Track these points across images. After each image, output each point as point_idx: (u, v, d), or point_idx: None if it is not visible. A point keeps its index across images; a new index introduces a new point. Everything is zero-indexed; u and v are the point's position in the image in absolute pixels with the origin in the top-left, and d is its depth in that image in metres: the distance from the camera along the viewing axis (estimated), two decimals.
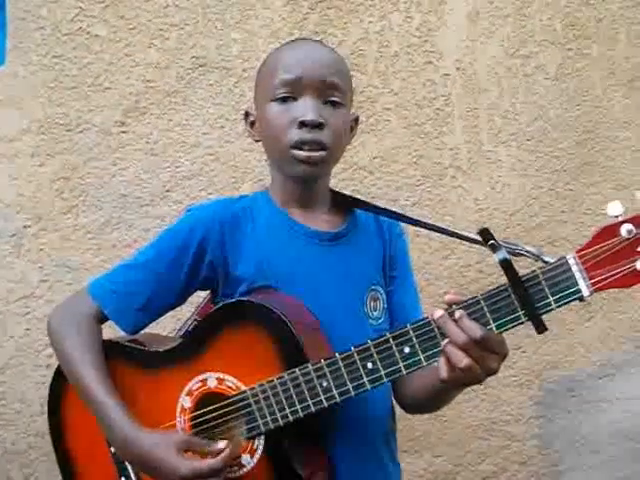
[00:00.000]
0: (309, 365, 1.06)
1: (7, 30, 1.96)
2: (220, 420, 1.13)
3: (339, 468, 1.15)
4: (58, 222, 1.98)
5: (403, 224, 1.31)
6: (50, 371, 1.94)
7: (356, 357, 1.04)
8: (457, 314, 0.98)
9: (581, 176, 2.25)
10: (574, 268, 0.95)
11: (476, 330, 0.97)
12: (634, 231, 0.93)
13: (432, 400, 1.22)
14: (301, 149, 1.15)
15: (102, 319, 1.21)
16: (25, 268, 1.97)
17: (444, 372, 0.99)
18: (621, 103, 2.27)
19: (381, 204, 1.30)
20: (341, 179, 2.07)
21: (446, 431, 2.19)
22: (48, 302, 1.96)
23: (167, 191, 2.01)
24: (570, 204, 2.23)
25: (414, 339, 1.02)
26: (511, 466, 2.24)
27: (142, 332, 1.25)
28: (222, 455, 1.08)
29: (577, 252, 0.95)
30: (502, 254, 0.97)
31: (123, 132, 2.00)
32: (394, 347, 1.02)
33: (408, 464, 2.15)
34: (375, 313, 1.23)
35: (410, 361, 1.02)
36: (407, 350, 1.02)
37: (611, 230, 0.93)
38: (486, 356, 0.98)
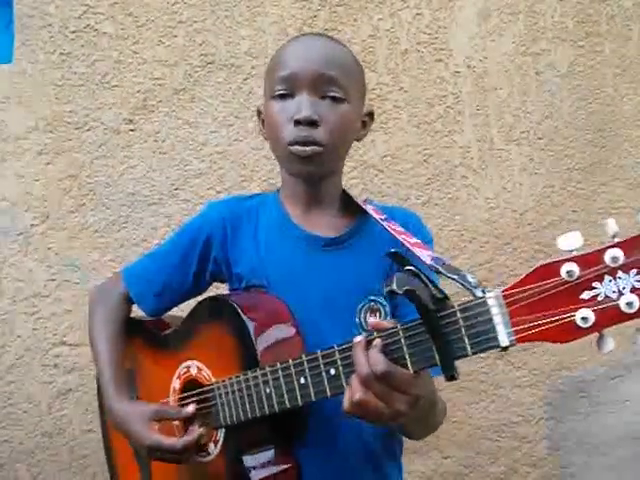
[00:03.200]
0: (257, 369, 1.06)
1: (14, 27, 1.95)
2: (198, 406, 1.17)
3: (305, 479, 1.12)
4: (66, 221, 1.97)
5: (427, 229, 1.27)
6: (57, 370, 1.97)
7: (292, 369, 1.00)
8: (374, 343, 0.87)
9: (593, 175, 2.23)
10: (494, 310, 0.78)
11: (379, 364, 0.85)
12: (576, 274, 0.74)
13: (394, 430, 1.18)
14: (297, 145, 1.13)
15: (130, 300, 1.32)
16: (32, 267, 1.96)
17: (345, 403, 0.90)
18: (633, 101, 2.24)
19: (391, 203, 1.27)
20: (351, 177, 2.05)
21: (456, 432, 2.17)
22: (55, 301, 1.96)
23: (175, 189, 2.00)
24: (582, 203, 2.21)
25: (339, 361, 0.94)
26: (521, 467, 2.23)
27: (168, 314, 1.35)
28: (184, 439, 1.12)
29: (504, 290, 0.78)
30: (410, 283, 0.82)
31: (131, 130, 1.99)
32: (322, 367, 0.96)
33: (418, 465, 2.14)
34: None
35: (334, 384, 0.95)
36: (332, 372, 0.95)
37: (550, 269, 0.75)
38: (390, 394, 0.86)
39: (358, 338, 0.89)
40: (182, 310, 1.32)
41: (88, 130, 1.97)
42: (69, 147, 1.97)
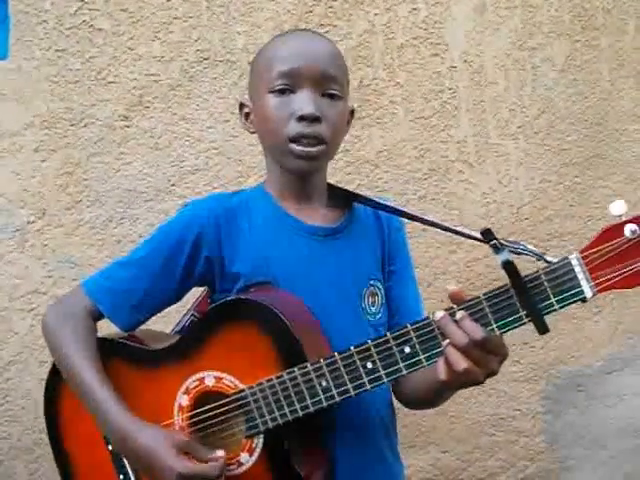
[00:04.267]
0: (308, 365, 1.04)
1: (10, 24, 1.95)
2: (219, 418, 1.11)
3: (339, 465, 1.14)
4: (62, 217, 1.97)
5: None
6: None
7: (356, 357, 1.03)
8: (458, 315, 0.96)
9: (589, 169, 2.23)
10: (577, 269, 0.93)
11: (477, 332, 0.95)
12: (638, 231, 0.91)
13: (431, 397, 1.20)
14: (300, 143, 1.13)
15: (97, 316, 1.20)
16: (29, 264, 1.96)
17: (443, 374, 0.98)
18: (630, 95, 2.25)
19: (387, 198, 1.29)
20: (347, 173, 2.05)
21: (453, 426, 2.18)
22: (52, 298, 1.96)
23: (172, 186, 2.00)
24: (578, 197, 2.21)
25: (414, 339, 1.00)
26: (518, 461, 2.23)
27: (139, 329, 1.24)
28: (219, 463, 1.07)
29: (580, 252, 0.93)
30: (504, 255, 0.95)
31: (127, 126, 1.98)
32: (394, 347, 1.01)
33: (415, 459, 2.14)
34: (373, 308, 1.22)
35: (411, 361, 1.01)
36: (407, 350, 1.00)
37: (615, 230, 0.92)
38: (486, 358, 0.97)
39: (440, 313, 0.97)
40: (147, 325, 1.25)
41: (84, 126, 1.97)
42: (65, 144, 1.97)
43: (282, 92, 1.14)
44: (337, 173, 2.02)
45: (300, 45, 1.18)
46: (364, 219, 1.25)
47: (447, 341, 0.97)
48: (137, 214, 1.99)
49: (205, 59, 2.01)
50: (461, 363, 0.95)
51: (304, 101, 1.13)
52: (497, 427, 2.21)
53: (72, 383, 1.18)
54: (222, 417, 1.11)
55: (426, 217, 1.23)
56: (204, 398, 1.12)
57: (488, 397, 2.19)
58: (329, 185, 1.27)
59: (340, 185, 1.27)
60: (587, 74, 2.22)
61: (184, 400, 1.14)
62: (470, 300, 0.98)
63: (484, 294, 0.97)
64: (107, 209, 1.98)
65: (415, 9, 2.11)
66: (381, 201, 1.23)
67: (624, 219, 0.91)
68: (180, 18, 2.00)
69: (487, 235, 0.98)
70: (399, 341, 1.01)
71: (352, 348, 1.03)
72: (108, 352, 1.19)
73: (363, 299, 1.20)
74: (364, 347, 1.03)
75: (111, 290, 1.19)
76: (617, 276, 0.92)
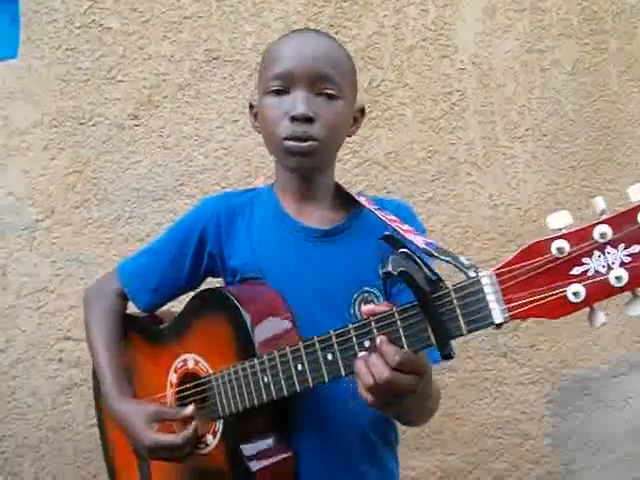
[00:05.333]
0: (255, 359, 1.07)
1: (20, 23, 1.96)
2: (196, 397, 1.18)
3: (301, 465, 1.14)
4: (70, 216, 1.97)
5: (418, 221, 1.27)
6: (62, 365, 1.97)
7: (289, 356, 1.01)
8: (378, 340, 0.88)
9: (597, 172, 2.22)
10: (487, 289, 0.80)
11: (382, 372, 0.87)
12: (567, 250, 0.76)
13: (399, 419, 1.18)
14: (293, 141, 1.15)
15: (125, 297, 1.32)
16: (37, 262, 1.96)
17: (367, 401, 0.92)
18: (638, 98, 2.24)
19: (396, 198, 1.28)
20: (355, 174, 2.05)
21: (459, 429, 2.18)
22: (60, 296, 1.96)
23: (180, 185, 2.01)
24: (586, 200, 2.21)
25: (336, 346, 0.95)
26: (524, 464, 2.23)
27: (162, 309, 1.35)
28: (183, 433, 1.14)
29: (496, 269, 0.80)
30: (402, 265, 0.84)
31: (136, 125, 1.99)
32: (319, 352, 0.97)
33: (421, 461, 2.14)
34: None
35: (332, 368, 0.96)
36: (330, 357, 0.96)
37: (542, 245, 0.77)
38: (404, 378, 0.89)
39: (361, 354, 0.90)
40: (172, 306, 1.34)
41: (93, 125, 1.98)
42: (74, 142, 1.97)
43: (278, 93, 1.17)
44: (345, 174, 2.02)
45: (295, 46, 1.19)
46: (370, 223, 1.22)
47: (361, 354, 0.91)
48: (145, 213, 1.99)
49: (214, 59, 2.01)
50: (367, 396, 0.90)
51: (296, 101, 1.14)
52: (503, 430, 2.21)
53: (90, 353, 1.32)
54: (197, 396, 1.18)
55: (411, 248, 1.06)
56: (187, 378, 1.21)
57: (494, 400, 2.19)
58: (337, 186, 1.27)
59: (347, 186, 1.27)
60: (596, 77, 2.21)
61: (173, 377, 1.24)
62: (384, 312, 0.90)
63: (398, 306, 0.89)
64: (115, 208, 1.98)
65: (424, 11, 2.11)
66: (379, 214, 1.16)
67: (557, 233, 0.77)
68: (190, 18, 2.00)
69: (390, 241, 0.87)
70: (323, 346, 0.96)
71: (287, 347, 1.02)
72: (130, 327, 1.34)
73: (353, 305, 1.18)
74: (296, 347, 1.01)
75: (134, 274, 1.31)
76: (537, 301, 0.77)
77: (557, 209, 0.74)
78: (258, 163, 2.02)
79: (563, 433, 2.25)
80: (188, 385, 1.20)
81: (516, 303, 0.78)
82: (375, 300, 1.20)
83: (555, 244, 0.76)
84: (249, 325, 1.09)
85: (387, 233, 0.88)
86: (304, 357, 0.99)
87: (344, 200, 1.25)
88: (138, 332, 1.34)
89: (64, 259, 1.97)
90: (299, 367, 1.00)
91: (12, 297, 1.96)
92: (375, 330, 0.90)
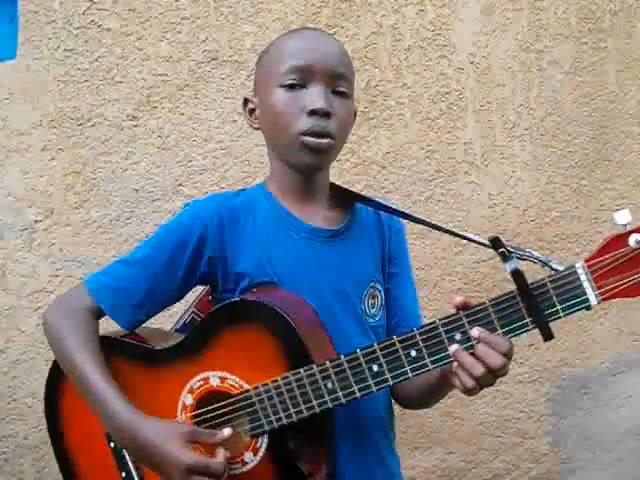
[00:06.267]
0: (314, 366, 1.05)
1: (19, 23, 1.96)
2: (223, 418, 1.12)
3: (340, 464, 1.14)
4: (69, 216, 1.97)
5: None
6: None
7: (362, 359, 1.04)
8: (474, 332, 0.99)
9: (595, 171, 2.23)
10: (582, 277, 0.96)
11: (494, 360, 0.99)
12: None
13: (426, 398, 1.23)
14: (311, 137, 1.13)
15: (99, 314, 1.19)
16: (36, 262, 1.96)
17: (460, 388, 1.03)
18: (636, 97, 2.25)
19: (389, 199, 1.29)
20: (354, 174, 2.05)
21: (458, 428, 2.18)
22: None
23: (179, 185, 2.01)
24: (584, 200, 2.21)
25: (420, 343, 1.02)
26: (523, 463, 2.23)
27: (142, 327, 1.23)
28: (222, 453, 1.07)
29: (586, 261, 0.96)
30: (513, 264, 0.98)
31: (135, 126, 1.99)
32: (400, 350, 1.03)
33: (420, 460, 2.14)
34: (372, 310, 1.22)
35: (416, 365, 1.03)
36: (414, 354, 1.02)
37: (620, 239, 0.95)
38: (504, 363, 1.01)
39: (454, 346, 1.00)
40: (152, 323, 1.25)
41: (92, 126, 1.98)
42: (73, 143, 1.97)
43: (292, 87, 1.14)
44: (344, 174, 2.02)
45: (312, 41, 1.19)
46: (365, 219, 1.26)
47: (454, 347, 1.00)
48: (144, 214, 1.99)
49: (213, 59, 2.02)
50: (468, 384, 1.01)
51: (316, 96, 1.13)
52: (502, 429, 2.21)
53: (73, 378, 1.16)
54: (226, 417, 1.11)
55: (425, 219, 1.25)
56: (208, 398, 1.12)
57: (493, 399, 2.19)
58: (331, 185, 1.27)
59: (346, 186, 1.27)
60: (594, 76, 2.22)
61: (188, 399, 1.14)
62: (476, 306, 1.00)
63: (490, 300, 1.00)
64: (114, 208, 1.98)
65: (422, 11, 2.11)
66: (385, 203, 1.24)
67: (629, 228, 0.94)
68: (188, 18, 2.00)
69: (495, 243, 1.01)
70: (405, 344, 1.02)
71: (358, 351, 1.04)
72: (109, 351, 1.18)
73: (363, 301, 1.21)
74: (370, 350, 1.04)
75: (113, 289, 1.17)
76: (621, 285, 0.95)
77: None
78: (257, 163, 2.02)
79: (562, 432, 2.25)
80: (216, 405, 1.12)
81: (606, 288, 0.95)
82: (378, 294, 1.23)
83: (633, 237, 0.94)
84: (299, 333, 1.05)
85: (496, 235, 1.01)
86: (381, 358, 1.03)
87: (339, 199, 1.25)
88: (125, 355, 1.19)
89: (63, 260, 1.97)
90: (375, 368, 1.03)
91: (12, 298, 1.96)
92: (467, 323, 1.00)
